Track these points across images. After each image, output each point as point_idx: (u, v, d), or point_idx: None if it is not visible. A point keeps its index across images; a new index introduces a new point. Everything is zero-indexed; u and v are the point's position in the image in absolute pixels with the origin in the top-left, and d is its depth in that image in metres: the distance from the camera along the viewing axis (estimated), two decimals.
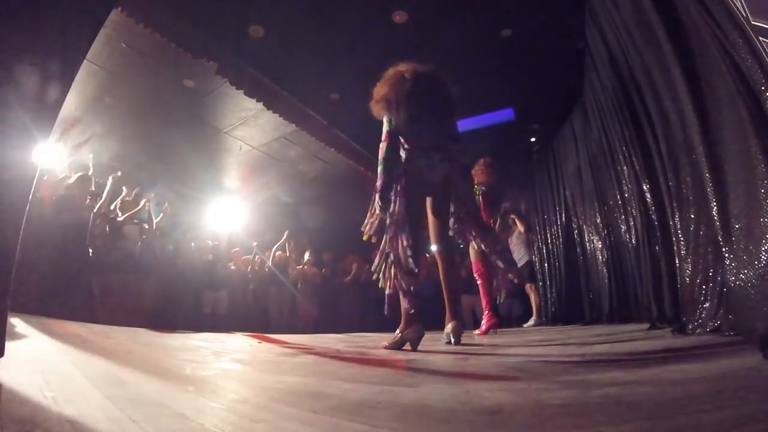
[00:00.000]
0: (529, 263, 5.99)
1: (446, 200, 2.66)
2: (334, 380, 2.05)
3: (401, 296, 2.42)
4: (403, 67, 2.74)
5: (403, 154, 2.61)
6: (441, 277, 2.68)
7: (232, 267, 7.19)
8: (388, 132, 2.62)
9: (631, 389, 1.39)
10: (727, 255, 1.79)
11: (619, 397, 1.28)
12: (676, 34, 2.20)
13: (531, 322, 5.70)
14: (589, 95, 4.44)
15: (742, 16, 1.72)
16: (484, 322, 3.99)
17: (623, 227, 3.68)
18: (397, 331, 2.46)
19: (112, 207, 5.39)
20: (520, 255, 5.78)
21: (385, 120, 2.67)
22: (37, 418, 1.55)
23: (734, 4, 1.73)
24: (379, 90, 2.72)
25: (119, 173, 5.52)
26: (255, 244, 7.67)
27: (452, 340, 2.64)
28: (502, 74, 5.78)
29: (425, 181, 2.55)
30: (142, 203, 5.85)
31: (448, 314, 2.68)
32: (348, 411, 1.59)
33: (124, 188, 5.68)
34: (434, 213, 2.68)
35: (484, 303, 3.99)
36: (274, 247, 7.69)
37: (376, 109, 2.71)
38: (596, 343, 2.36)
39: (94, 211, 4.83)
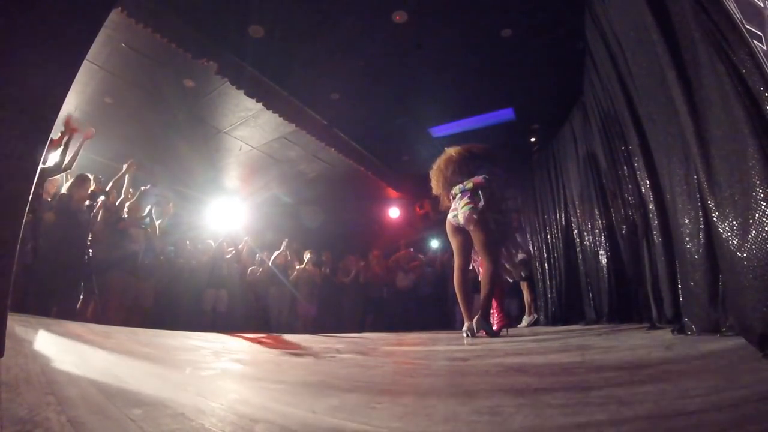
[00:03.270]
0: (524, 261, 6.00)
1: (476, 233, 3.52)
2: (334, 380, 2.05)
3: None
4: (445, 155, 3.84)
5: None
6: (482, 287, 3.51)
7: (236, 264, 7.20)
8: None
9: (631, 389, 1.39)
10: (725, 255, 1.79)
11: (619, 397, 1.28)
12: (674, 34, 2.20)
13: (524, 321, 5.71)
14: (589, 95, 4.44)
15: (738, 18, 1.73)
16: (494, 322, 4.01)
17: (623, 227, 3.68)
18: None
19: (117, 203, 5.36)
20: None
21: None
22: (37, 418, 1.56)
23: (730, 7, 1.74)
24: (433, 178, 3.87)
25: (131, 161, 5.46)
26: (246, 238, 7.71)
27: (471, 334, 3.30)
28: (502, 74, 5.78)
29: (455, 228, 3.61)
30: (147, 209, 5.84)
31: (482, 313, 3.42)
32: (348, 411, 1.60)
33: (131, 189, 5.66)
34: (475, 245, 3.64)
35: (493, 304, 4.01)
36: (275, 254, 7.70)
37: (438, 193, 3.87)
38: (596, 343, 2.36)
39: (99, 203, 4.81)
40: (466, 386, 1.58)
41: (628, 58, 2.75)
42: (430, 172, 3.89)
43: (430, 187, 3.91)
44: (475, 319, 3.29)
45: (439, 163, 3.82)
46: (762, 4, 1.70)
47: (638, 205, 3.08)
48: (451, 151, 3.82)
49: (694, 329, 2.13)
